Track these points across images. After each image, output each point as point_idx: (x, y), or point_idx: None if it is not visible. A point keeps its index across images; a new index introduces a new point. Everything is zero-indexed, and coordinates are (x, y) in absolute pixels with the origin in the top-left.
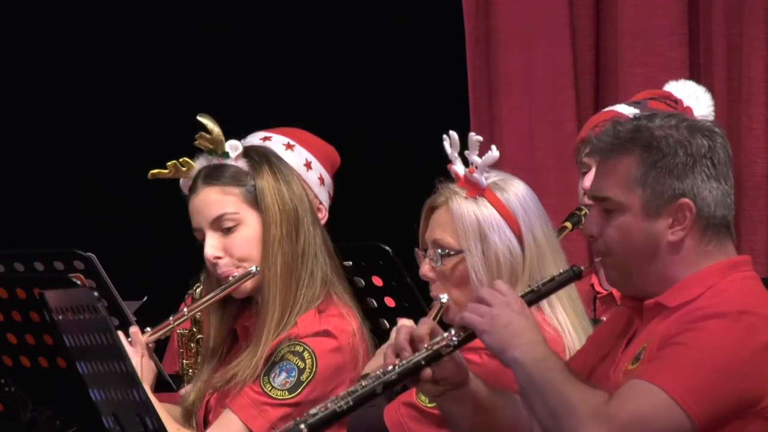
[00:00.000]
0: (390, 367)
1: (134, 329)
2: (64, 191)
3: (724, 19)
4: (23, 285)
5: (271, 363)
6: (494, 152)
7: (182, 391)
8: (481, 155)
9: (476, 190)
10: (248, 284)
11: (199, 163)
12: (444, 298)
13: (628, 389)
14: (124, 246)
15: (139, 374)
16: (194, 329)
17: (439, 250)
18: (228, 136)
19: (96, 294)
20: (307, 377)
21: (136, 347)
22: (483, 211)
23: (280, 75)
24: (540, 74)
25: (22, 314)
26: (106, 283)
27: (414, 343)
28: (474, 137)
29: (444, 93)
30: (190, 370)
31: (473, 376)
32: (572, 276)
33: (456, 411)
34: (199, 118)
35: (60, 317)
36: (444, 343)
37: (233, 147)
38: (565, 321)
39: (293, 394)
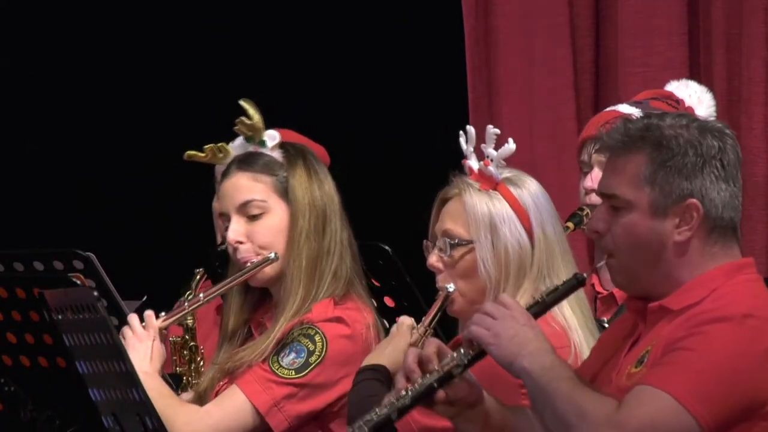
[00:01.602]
0: (403, 392)
1: (149, 312)
2: (64, 191)
3: (724, 18)
4: (23, 285)
5: (282, 344)
6: (511, 145)
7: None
8: (496, 149)
9: (490, 183)
10: (267, 272)
11: (235, 150)
12: (450, 287)
13: (636, 395)
14: (123, 246)
15: (149, 358)
16: (186, 336)
17: (449, 240)
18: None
19: (95, 293)
20: (316, 359)
21: (149, 330)
22: (495, 203)
23: (280, 74)
24: (540, 74)
25: (22, 314)
26: (105, 282)
27: (423, 364)
28: (491, 130)
29: (444, 93)
30: (184, 377)
31: (487, 395)
32: (575, 284)
33: (471, 430)
34: (241, 102)
35: (60, 317)
36: (454, 363)
37: (271, 137)
38: (572, 317)
39: (300, 374)
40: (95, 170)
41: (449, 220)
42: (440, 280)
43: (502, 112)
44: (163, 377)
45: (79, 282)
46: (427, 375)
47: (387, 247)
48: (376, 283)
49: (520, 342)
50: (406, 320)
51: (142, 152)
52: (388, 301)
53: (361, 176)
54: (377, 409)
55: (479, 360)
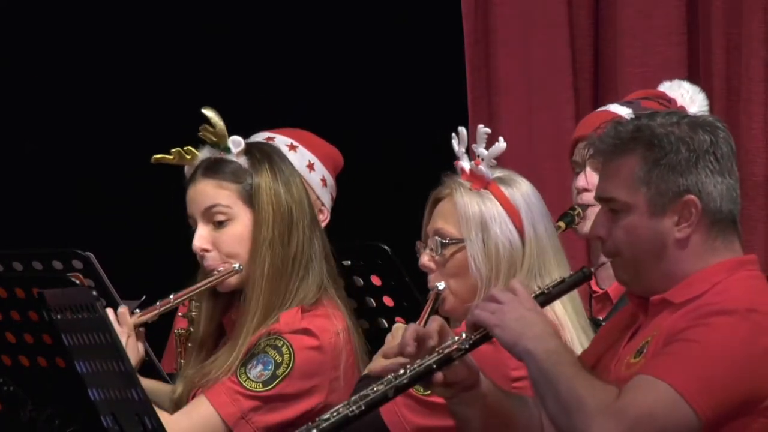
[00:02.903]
0: (401, 371)
1: (123, 309)
2: (64, 191)
3: (723, 18)
4: (22, 284)
5: (250, 355)
6: (501, 143)
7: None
8: (487, 148)
9: (481, 182)
10: (232, 280)
11: (202, 154)
12: (441, 285)
13: (636, 385)
14: (123, 246)
15: None
16: (191, 329)
17: (439, 239)
18: (229, 135)
19: (94, 293)
20: (283, 372)
21: (122, 327)
22: (486, 202)
23: (280, 75)
24: (539, 74)
25: (21, 314)
26: (104, 282)
27: (422, 340)
28: (482, 129)
29: (443, 93)
30: None
31: (484, 378)
32: (582, 278)
33: (467, 413)
34: (203, 110)
35: (59, 316)
36: (455, 346)
37: (235, 143)
38: (564, 315)
39: (267, 387)
40: (95, 170)
41: (440, 220)
42: (431, 279)
43: (502, 112)
44: (161, 375)
45: (78, 282)
46: (427, 356)
47: (386, 247)
48: (377, 283)
49: (524, 324)
50: (400, 327)
51: (142, 152)
52: (388, 301)
53: (361, 176)
54: (374, 386)
55: (481, 344)
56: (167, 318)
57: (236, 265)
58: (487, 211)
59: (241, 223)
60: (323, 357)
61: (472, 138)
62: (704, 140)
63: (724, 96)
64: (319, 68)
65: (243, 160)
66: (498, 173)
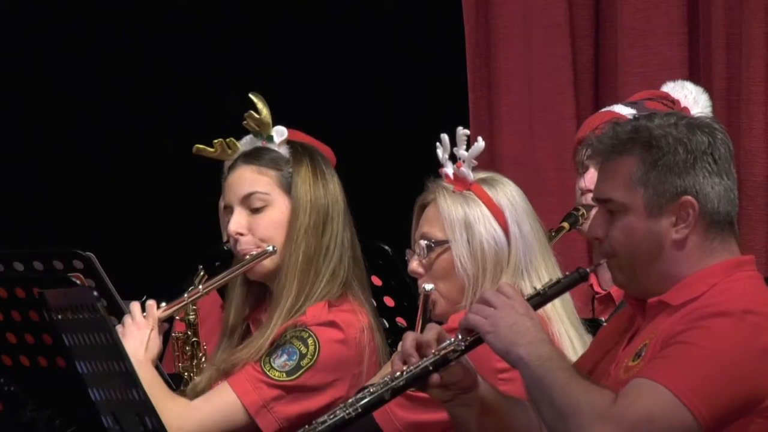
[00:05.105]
0: (398, 374)
1: (151, 302)
2: (64, 191)
3: (724, 18)
4: (22, 284)
5: (275, 346)
6: (480, 143)
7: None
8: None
9: (463, 184)
10: (266, 265)
11: (243, 146)
12: (428, 286)
13: (633, 388)
14: (123, 246)
15: (145, 347)
16: (189, 332)
17: (425, 242)
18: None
19: (95, 293)
20: (308, 363)
21: (148, 320)
22: (470, 203)
23: (281, 74)
24: (539, 74)
25: (22, 314)
26: (105, 282)
27: (421, 348)
28: (461, 131)
29: (444, 93)
30: (186, 374)
31: (482, 381)
32: (578, 278)
33: (465, 415)
34: (251, 96)
35: (59, 317)
36: (451, 348)
37: (279, 132)
38: (552, 310)
39: (291, 377)
40: (95, 170)
41: (426, 225)
42: (420, 283)
43: (501, 111)
44: (164, 376)
45: (78, 282)
46: (424, 358)
47: (387, 247)
48: (378, 283)
49: (518, 331)
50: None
51: (142, 152)
52: (388, 301)
53: (362, 176)
54: (371, 389)
55: (476, 346)
56: (167, 321)
57: (270, 247)
58: (470, 211)
59: (278, 210)
60: (348, 351)
61: (472, 139)
62: (702, 141)
63: (724, 96)
64: (319, 68)
65: (284, 150)
66: (481, 175)
